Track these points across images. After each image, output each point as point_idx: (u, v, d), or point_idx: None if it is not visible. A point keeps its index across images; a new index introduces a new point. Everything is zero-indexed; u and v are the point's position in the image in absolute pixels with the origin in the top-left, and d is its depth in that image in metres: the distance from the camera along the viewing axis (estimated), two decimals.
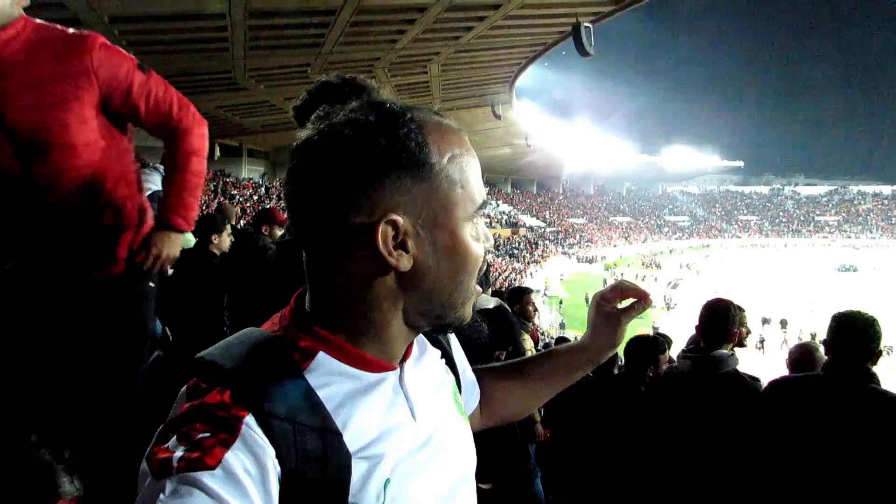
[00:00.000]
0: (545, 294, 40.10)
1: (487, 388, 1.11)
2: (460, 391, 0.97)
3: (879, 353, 2.39)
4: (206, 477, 0.57)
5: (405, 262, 0.71)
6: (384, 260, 0.69)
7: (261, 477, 0.61)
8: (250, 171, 38.81)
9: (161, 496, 0.57)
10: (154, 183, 3.89)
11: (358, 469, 0.68)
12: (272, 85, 21.41)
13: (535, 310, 5.29)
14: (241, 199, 30.51)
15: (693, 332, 3.23)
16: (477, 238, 0.76)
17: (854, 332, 2.39)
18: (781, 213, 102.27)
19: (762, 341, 29.61)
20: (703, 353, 2.90)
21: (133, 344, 2.12)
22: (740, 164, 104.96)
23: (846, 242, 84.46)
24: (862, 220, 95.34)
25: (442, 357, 0.95)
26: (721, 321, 2.91)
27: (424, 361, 0.88)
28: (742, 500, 2.65)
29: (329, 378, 0.71)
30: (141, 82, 1.94)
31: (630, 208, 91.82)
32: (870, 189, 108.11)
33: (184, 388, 0.68)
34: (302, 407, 0.66)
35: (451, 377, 0.94)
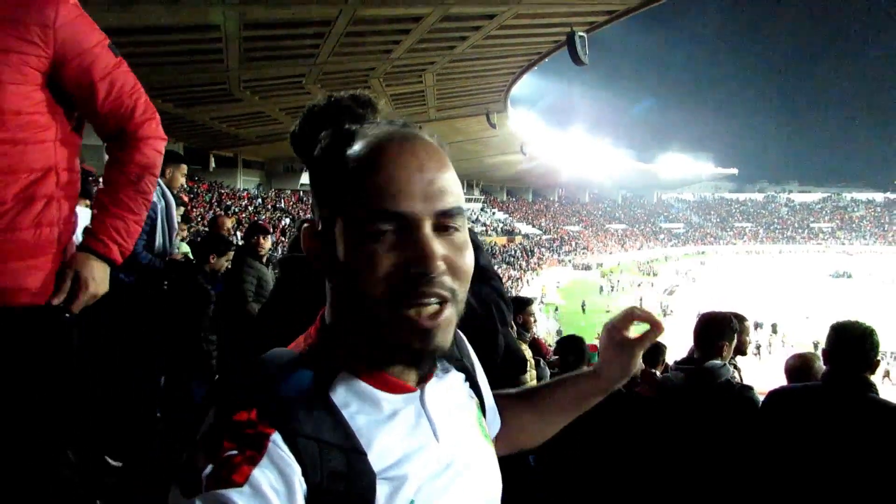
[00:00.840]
0: (542, 301, 40.11)
1: (503, 415, 1.09)
2: (484, 416, 0.96)
3: (878, 363, 2.41)
4: (234, 494, 0.58)
5: (327, 276, 0.75)
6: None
7: (287, 494, 0.61)
8: (246, 182, 38.83)
9: None
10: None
11: (382, 490, 0.68)
12: (267, 96, 21.48)
13: (535, 321, 5.31)
14: (236, 210, 30.50)
15: (686, 338, 3.24)
16: (381, 256, 0.67)
17: (852, 342, 2.40)
18: (776, 220, 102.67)
19: (758, 347, 29.65)
20: (696, 365, 2.91)
21: (52, 402, 1.61)
22: (735, 171, 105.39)
23: (840, 249, 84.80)
24: (855, 227, 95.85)
25: (466, 381, 0.93)
26: (713, 334, 2.92)
27: (447, 383, 0.87)
28: None
29: (352, 398, 0.71)
30: (109, 63, 1.60)
31: (625, 215, 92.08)
32: (863, 196, 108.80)
33: (212, 408, 0.68)
34: (327, 426, 0.67)
35: (475, 401, 0.93)
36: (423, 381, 0.79)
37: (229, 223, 5.40)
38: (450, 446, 0.78)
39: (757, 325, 33.28)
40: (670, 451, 2.93)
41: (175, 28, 13.71)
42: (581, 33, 15.47)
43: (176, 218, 4.10)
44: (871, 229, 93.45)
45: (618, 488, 3.17)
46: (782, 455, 2.49)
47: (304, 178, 41.41)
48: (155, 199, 3.88)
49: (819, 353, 2.92)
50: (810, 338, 31.31)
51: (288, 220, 32.57)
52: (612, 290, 48.37)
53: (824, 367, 2.54)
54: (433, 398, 0.79)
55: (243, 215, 30.03)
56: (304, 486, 0.62)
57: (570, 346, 4.48)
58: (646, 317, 1.02)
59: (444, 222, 0.70)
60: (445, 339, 0.71)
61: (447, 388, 0.86)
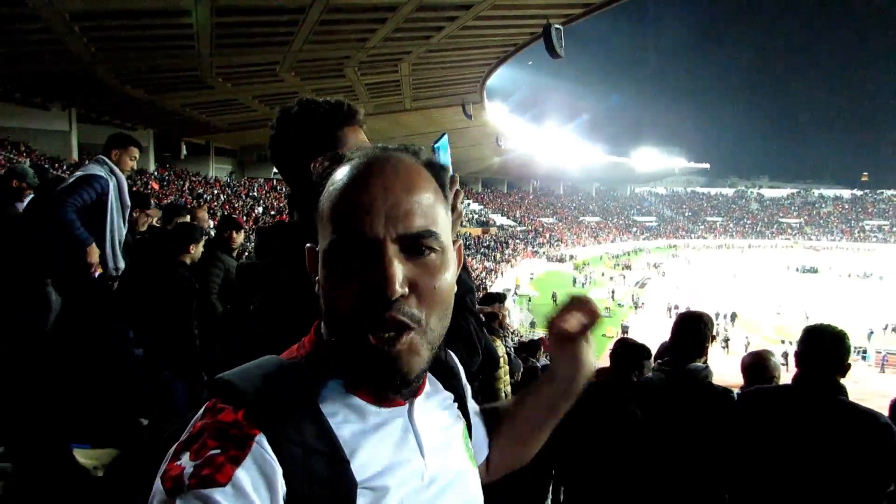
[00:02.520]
0: (515, 293, 40.32)
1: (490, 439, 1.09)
2: (471, 438, 0.95)
3: (848, 367, 2.44)
4: (217, 494, 0.59)
5: (319, 290, 0.74)
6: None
7: (269, 495, 0.62)
8: (218, 170, 38.29)
9: None
10: (83, 169, 3.85)
11: (363, 499, 0.68)
12: (240, 83, 21.16)
13: (507, 315, 5.35)
14: (208, 199, 30.06)
15: (656, 330, 3.22)
16: (346, 278, 0.69)
17: (825, 346, 2.43)
18: (746, 215, 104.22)
19: (727, 341, 30.17)
20: (678, 367, 2.91)
21: None
22: (706, 166, 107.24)
23: (808, 244, 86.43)
24: (823, 223, 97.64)
25: (455, 402, 0.93)
26: (694, 335, 2.92)
27: (436, 402, 0.87)
28: None
29: (340, 407, 0.72)
30: None
31: (599, 208, 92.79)
32: (830, 193, 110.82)
33: (202, 408, 0.69)
34: (312, 432, 0.67)
35: (463, 422, 0.93)
36: (412, 395, 0.79)
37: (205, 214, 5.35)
38: (434, 463, 0.79)
39: (717, 315, 34.04)
40: (653, 453, 2.92)
41: (146, 13, 13.42)
42: (557, 25, 15.49)
43: (128, 197, 4.01)
44: (839, 225, 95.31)
45: (604, 491, 3.17)
46: (756, 455, 2.52)
47: None
48: (104, 174, 3.81)
49: (788, 349, 2.95)
50: (772, 328, 32.21)
51: (261, 209, 32.20)
52: (586, 283, 48.80)
53: (787, 367, 2.57)
54: (421, 414, 0.80)
55: (215, 204, 29.60)
56: (285, 488, 0.63)
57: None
58: (583, 305, 0.97)
59: (414, 244, 0.69)
60: (411, 365, 0.70)
61: (436, 405, 0.86)
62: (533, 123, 57.82)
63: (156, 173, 30.82)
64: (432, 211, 0.72)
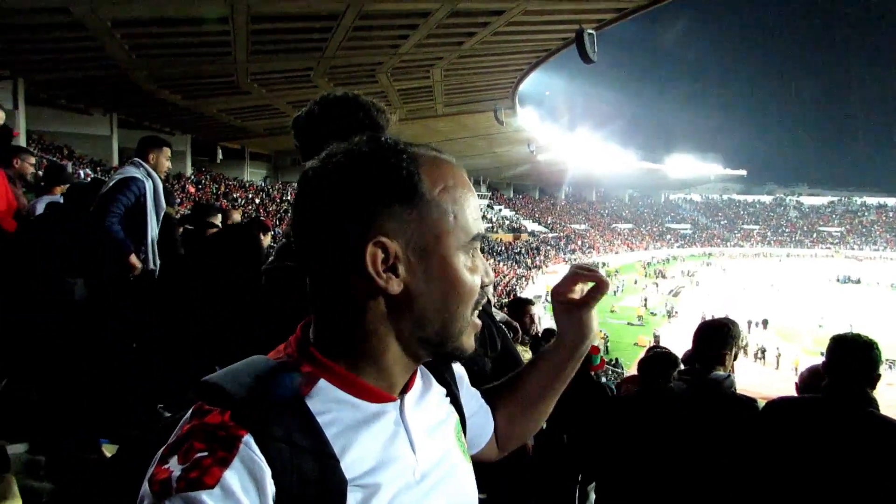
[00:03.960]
0: (546, 300, 40.01)
1: (492, 411, 1.09)
2: (465, 432, 0.95)
3: (878, 377, 2.34)
4: (204, 496, 0.58)
5: (395, 286, 0.71)
6: (375, 282, 0.70)
7: (258, 496, 0.62)
8: (252, 175, 38.96)
9: None
10: (121, 172, 4.01)
11: (354, 497, 0.68)
12: (275, 89, 21.51)
13: (532, 322, 5.29)
14: (243, 203, 30.56)
15: (689, 340, 3.14)
16: (473, 269, 0.76)
17: (853, 357, 2.34)
18: (784, 223, 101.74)
19: (763, 351, 29.40)
20: (700, 376, 2.83)
21: None
22: (743, 172, 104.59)
23: (850, 254, 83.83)
24: (865, 232, 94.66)
25: (447, 395, 0.93)
26: (716, 343, 2.84)
27: (428, 397, 0.87)
28: None
29: (329, 405, 0.71)
30: None
31: (632, 215, 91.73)
32: (874, 200, 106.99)
33: (188, 411, 0.69)
34: (300, 431, 0.67)
35: (456, 416, 0.93)
36: (403, 392, 0.79)
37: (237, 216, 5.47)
38: (426, 459, 0.78)
39: (749, 324, 33.23)
40: (673, 462, 2.86)
41: (183, 20, 13.75)
42: (590, 31, 15.40)
43: (163, 199, 4.14)
44: (883, 234, 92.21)
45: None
46: (781, 467, 2.44)
47: None
48: (141, 177, 3.93)
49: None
50: (812, 339, 31.39)
51: None
52: (618, 291, 48.21)
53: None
54: (412, 410, 0.80)
55: (250, 207, 30.07)
56: (274, 488, 0.63)
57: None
58: (590, 276, 1.00)
59: None
60: None
61: (428, 400, 0.86)
62: (565, 129, 57.45)
63: (192, 177, 31.49)
64: None
